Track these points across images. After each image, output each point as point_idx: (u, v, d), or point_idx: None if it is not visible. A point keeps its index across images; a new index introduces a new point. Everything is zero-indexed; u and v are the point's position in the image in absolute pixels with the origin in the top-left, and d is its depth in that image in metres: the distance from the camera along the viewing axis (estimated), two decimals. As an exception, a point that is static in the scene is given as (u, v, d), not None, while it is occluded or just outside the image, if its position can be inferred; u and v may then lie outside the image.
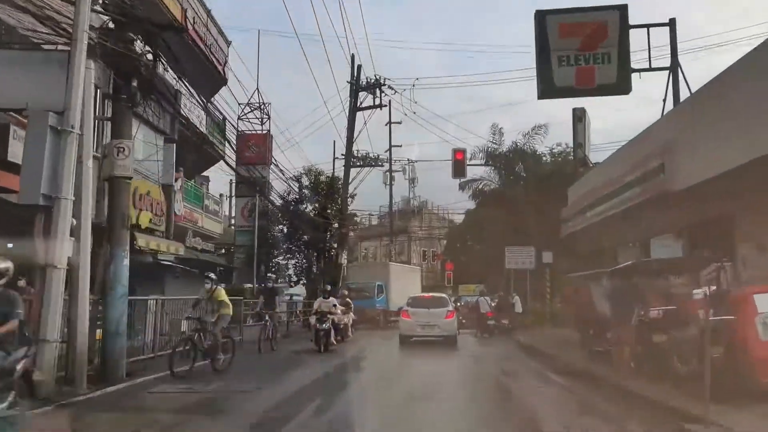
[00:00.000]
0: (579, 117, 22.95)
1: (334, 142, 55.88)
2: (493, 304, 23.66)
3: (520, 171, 30.09)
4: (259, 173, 34.38)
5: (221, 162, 27.41)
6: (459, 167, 25.16)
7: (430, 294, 22.34)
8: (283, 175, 36.68)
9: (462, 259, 51.01)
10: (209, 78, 25.55)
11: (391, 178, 40.96)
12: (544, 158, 30.15)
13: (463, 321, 25.15)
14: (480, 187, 31.36)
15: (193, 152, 23.40)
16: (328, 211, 34.17)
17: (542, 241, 25.18)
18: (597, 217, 16.84)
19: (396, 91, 34.86)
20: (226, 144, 28.71)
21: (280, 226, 35.63)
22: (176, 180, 21.89)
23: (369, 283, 29.19)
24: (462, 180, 29.14)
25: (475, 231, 46.96)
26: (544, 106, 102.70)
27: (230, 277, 31.13)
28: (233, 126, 29.23)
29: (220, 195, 29.99)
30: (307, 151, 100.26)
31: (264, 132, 36.86)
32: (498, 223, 29.22)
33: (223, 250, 32.62)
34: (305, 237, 33.94)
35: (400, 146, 44.57)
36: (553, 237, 25.80)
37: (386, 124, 41.77)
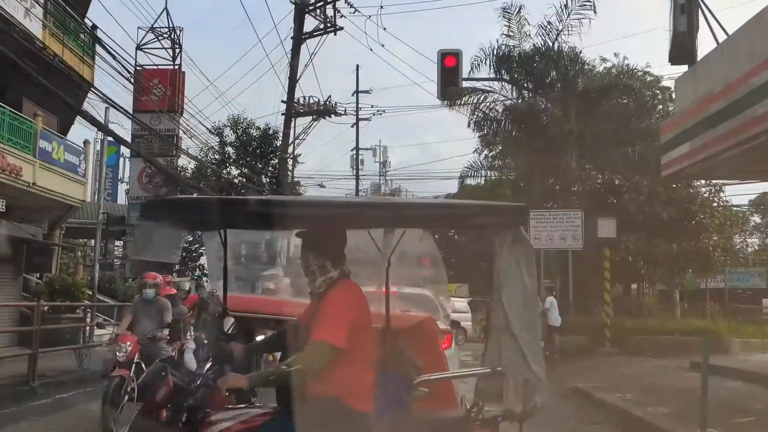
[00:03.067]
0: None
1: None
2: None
3: (554, 81, 18.33)
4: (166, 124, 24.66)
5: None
6: (449, 77, 15.02)
7: (396, 290, 9.34)
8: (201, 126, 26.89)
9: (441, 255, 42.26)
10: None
11: (358, 134, 31.52)
12: (593, 67, 19.07)
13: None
14: (488, 104, 19.04)
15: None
16: (262, 176, 24.18)
17: (591, 203, 15.35)
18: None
19: (356, 9, 24.75)
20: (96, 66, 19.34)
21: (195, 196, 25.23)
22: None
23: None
24: (452, 101, 17.94)
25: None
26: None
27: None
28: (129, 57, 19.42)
29: (85, 142, 19.41)
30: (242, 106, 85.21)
31: (174, 68, 26.44)
32: (516, 170, 18.90)
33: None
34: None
35: (369, 92, 34.49)
36: (614, 194, 15.81)
37: (353, 94, 32.41)
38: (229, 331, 3.54)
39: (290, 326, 3.51)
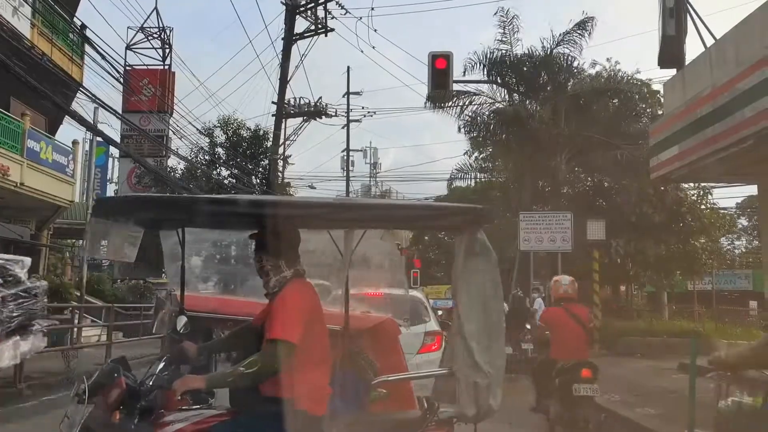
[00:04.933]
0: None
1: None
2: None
3: (545, 85, 18.65)
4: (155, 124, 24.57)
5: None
6: (440, 79, 15.05)
7: (383, 291, 8.38)
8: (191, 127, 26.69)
9: (431, 257, 42.65)
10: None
11: (348, 136, 31.46)
12: (583, 70, 19.29)
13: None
14: (477, 107, 19.17)
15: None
16: (253, 177, 24.10)
17: (581, 205, 15.40)
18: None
19: (347, 11, 24.70)
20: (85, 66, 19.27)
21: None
22: None
23: None
24: (438, 104, 18.00)
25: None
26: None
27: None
28: (118, 57, 19.32)
29: (73, 142, 19.27)
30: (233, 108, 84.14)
31: (164, 68, 26.27)
32: (505, 173, 19.03)
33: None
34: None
35: (360, 93, 34.49)
36: (603, 196, 15.90)
37: (344, 95, 32.32)
38: (182, 330, 3.51)
39: (245, 326, 3.49)
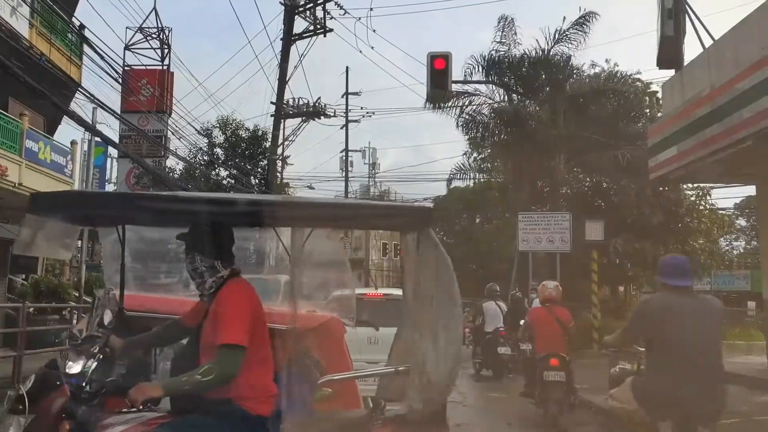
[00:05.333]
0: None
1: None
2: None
3: (543, 85, 18.73)
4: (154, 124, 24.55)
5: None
6: (439, 79, 15.04)
7: (383, 292, 9.40)
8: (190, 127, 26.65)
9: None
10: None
11: (347, 136, 31.46)
12: (582, 71, 19.25)
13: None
14: (476, 107, 19.03)
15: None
16: (251, 177, 24.11)
17: (580, 205, 15.41)
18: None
19: (346, 12, 24.70)
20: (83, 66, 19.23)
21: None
22: None
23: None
24: (437, 104, 18.01)
25: (452, 214, 38.30)
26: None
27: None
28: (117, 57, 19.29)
29: (72, 142, 19.25)
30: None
31: (162, 68, 26.25)
32: (504, 173, 19.05)
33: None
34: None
35: (359, 94, 34.53)
36: (602, 196, 15.96)
37: (343, 96, 32.29)
38: (108, 325, 3.41)
39: (173, 323, 3.45)
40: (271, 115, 23.95)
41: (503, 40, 18.84)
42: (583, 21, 18.09)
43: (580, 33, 18.06)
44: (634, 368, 4.93)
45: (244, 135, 24.86)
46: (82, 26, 17.07)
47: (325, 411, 3.53)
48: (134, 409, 3.00)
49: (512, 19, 19.28)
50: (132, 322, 3.71)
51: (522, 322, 9.73)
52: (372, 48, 65.08)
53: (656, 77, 45.22)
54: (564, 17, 18.59)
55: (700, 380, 4.00)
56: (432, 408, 3.29)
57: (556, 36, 18.00)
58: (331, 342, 4.05)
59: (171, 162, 25.66)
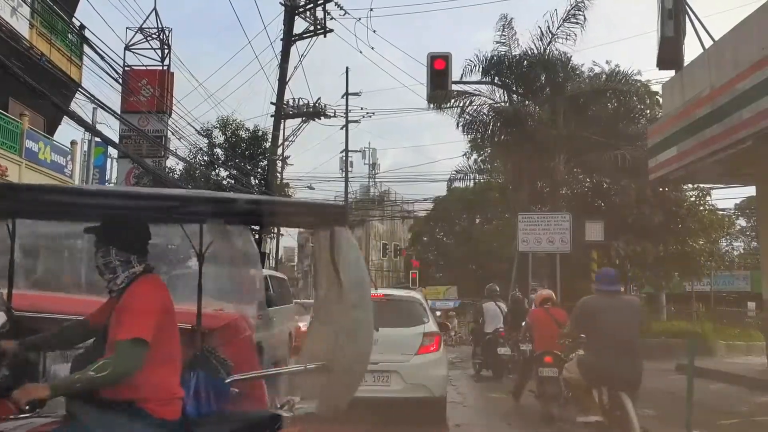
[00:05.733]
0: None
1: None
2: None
3: (543, 86, 18.64)
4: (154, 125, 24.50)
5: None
6: (439, 79, 15.05)
7: (383, 292, 8.85)
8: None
9: (429, 258, 42.51)
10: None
11: (347, 137, 31.42)
12: (582, 71, 19.14)
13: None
14: (477, 108, 18.77)
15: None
16: (251, 178, 24.12)
17: (580, 206, 15.41)
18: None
19: (346, 12, 24.68)
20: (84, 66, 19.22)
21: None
22: None
23: None
24: (439, 104, 17.98)
25: (452, 215, 38.22)
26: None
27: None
28: (117, 57, 19.35)
29: (72, 142, 19.28)
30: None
31: (162, 69, 26.23)
32: (504, 174, 19.03)
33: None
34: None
35: (359, 94, 34.49)
36: (602, 197, 15.97)
37: (343, 96, 32.28)
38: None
39: (76, 323, 3.27)
40: (271, 116, 23.92)
41: (503, 40, 18.82)
42: (575, 12, 17.98)
43: (576, 25, 17.99)
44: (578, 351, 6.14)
45: (244, 135, 24.86)
46: (82, 26, 17.07)
47: (233, 411, 3.40)
48: (23, 415, 2.73)
49: (512, 18, 19.25)
50: (23, 323, 3.46)
51: (524, 323, 9.82)
52: (372, 48, 65.29)
53: (656, 77, 45.29)
54: (555, 10, 18.47)
55: (622, 358, 5.33)
56: (341, 406, 3.26)
57: (555, 30, 17.98)
58: (238, 341, 3.85)
59: (171, 162, 25.64)
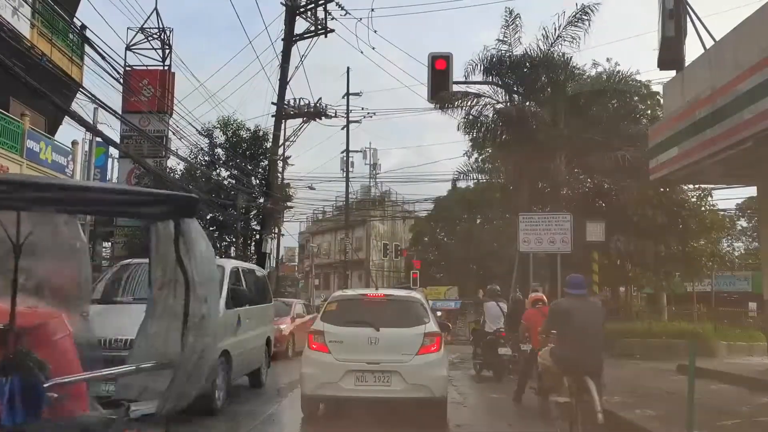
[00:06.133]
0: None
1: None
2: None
3: (544, 86, 18.49)
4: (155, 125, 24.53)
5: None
6: (440, 80, 15.05)
7: (384, 292, 8.97)
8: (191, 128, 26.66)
9: (430, 258, 42.47)
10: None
11: (348, 137, 31.44)
12: (583, 72, 19.08)
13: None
14: (479, 108, 18.55)
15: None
16: (252, 178, 24.19)
17: (581, 206, 15.40)
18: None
19: (347, 12, 24.66)
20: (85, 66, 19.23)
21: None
22: None
23: None
24: (443, 105, 17.85)
25: (453, 215, 38.18)
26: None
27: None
28: (118, 57, 19.40)
29: (73, 143, 19.28)
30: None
31: (163, 69, 26.24)
32: (505, 174, 18.99)
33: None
34: (218, 215, 23.79)
35: (359, 94, 34.58)
36: (603, 197, 16.03)
37: (344, 96, 32.33)
38: None
39: None
40: (272, 116, 23.91)
41: (505, 39, 18.66)
42: (581, 16, 17.88)
43: (580, 29, 17.86)
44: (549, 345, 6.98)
45: (245, 135, 24.98)
46: (83, 26, 17.04)
47: (57, 417, 3.18)
48: None
49: (518, 14, 18.97)
50: None
51: (521, 324, 10.01)
52: (373, 49, 65.24)
53: (656, 78, 45.25)
54: (563, 11, 18.35)
55: (587, 350, 6.25)
56: (184, 403, 3.13)
57: (559, 24, 17.84)
58: (56, 341, 3.58)
59: (172, 162, 25.67)
